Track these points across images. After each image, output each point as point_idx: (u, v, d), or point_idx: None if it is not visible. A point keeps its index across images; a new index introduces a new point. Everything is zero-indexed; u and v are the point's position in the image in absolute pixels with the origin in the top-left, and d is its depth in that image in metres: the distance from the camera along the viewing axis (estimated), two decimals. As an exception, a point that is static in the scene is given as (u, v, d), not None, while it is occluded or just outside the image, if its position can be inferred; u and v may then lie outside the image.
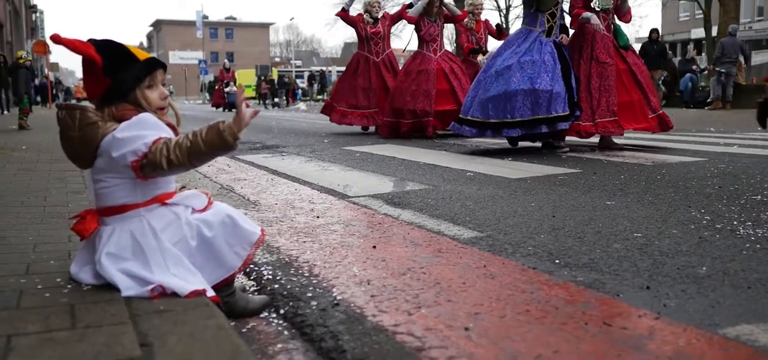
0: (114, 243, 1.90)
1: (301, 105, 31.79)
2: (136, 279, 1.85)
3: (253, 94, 42.74)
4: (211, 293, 1.89)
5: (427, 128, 9.04)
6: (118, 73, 1.94)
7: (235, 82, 26.50)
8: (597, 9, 6.77)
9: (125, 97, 1.96)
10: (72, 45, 1.91)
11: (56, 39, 1.93)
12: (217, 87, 27.55)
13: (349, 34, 56.84)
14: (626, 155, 6.22)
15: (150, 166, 1.87)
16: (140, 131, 1.89)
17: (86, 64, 1.95)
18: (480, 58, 9.81)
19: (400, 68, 10.00)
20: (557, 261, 2.57)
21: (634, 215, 3.41)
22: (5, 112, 17.33)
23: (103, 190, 1.96)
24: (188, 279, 1.87)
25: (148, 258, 1.88)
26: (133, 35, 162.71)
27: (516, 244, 2.85)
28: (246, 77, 48.51)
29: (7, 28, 29.33)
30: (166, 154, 1.86)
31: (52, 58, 37.25)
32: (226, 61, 27.96)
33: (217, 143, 1.88)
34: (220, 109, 26.10)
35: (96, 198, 1.99)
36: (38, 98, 28.61)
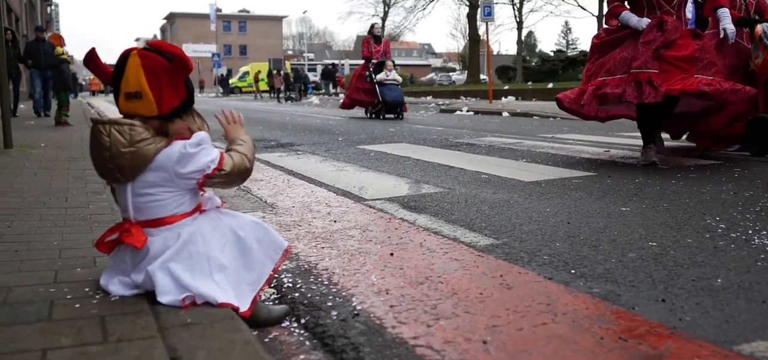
0: (170, 252, 1.92)
1: (314, 99, 31.88)
2: (177, 284, 1.88)
3: (266, 86, 42.98)
4: (244, 309, 1.94)
5: None
6: (189, 85, 1.99)
7: (394, 64, 14.81)
8: None
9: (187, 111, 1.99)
10: (170, 48, 1.90)
11: (154, 45, 1.92)
12: (357, 71, 14.96)
13: (363, 27, 55.36)
14: (640, 157, 6.22)
15: (216, 178, 1.96)
16: (206, 145, 1.95)
17: (175, 71, 1.89)
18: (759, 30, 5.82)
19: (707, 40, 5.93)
20: (573, 271, 2.60)
21: (649, 223, 3.43)
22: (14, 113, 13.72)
23: (152, 203, 1.94)
24: (226, 290, 1.92)
25: (194, 263, 1.91)
26: (146, 28, 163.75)
27: (532, 253, 2.88)
28: (260, 70, 48.74)
29: (23, 21, 29.57)
30: (250, 158, 2.05)
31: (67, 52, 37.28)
32: (375, 25, 15.44)
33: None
34: (367, 113, 14.49)
35: (139, 211, 1.95)
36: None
